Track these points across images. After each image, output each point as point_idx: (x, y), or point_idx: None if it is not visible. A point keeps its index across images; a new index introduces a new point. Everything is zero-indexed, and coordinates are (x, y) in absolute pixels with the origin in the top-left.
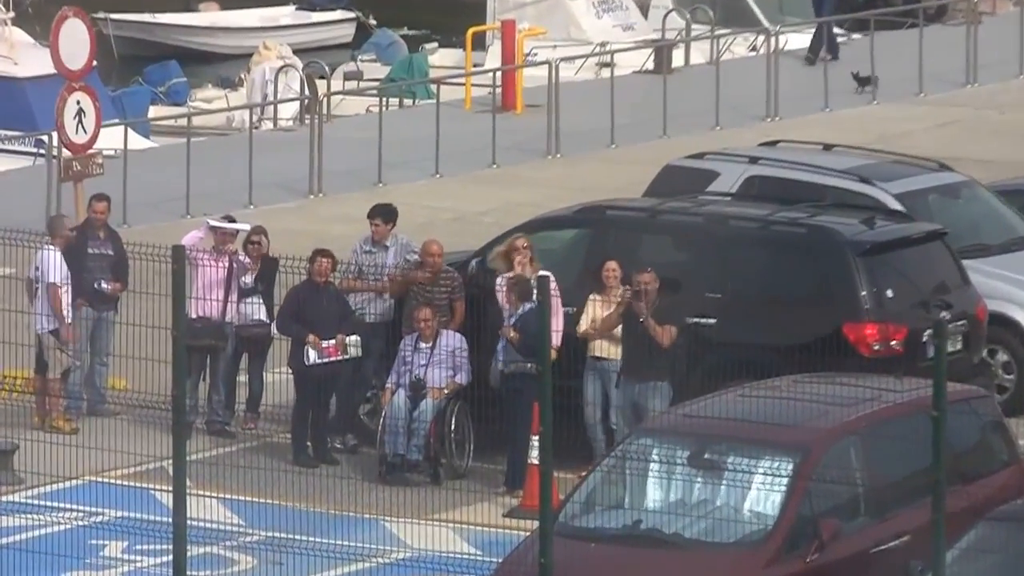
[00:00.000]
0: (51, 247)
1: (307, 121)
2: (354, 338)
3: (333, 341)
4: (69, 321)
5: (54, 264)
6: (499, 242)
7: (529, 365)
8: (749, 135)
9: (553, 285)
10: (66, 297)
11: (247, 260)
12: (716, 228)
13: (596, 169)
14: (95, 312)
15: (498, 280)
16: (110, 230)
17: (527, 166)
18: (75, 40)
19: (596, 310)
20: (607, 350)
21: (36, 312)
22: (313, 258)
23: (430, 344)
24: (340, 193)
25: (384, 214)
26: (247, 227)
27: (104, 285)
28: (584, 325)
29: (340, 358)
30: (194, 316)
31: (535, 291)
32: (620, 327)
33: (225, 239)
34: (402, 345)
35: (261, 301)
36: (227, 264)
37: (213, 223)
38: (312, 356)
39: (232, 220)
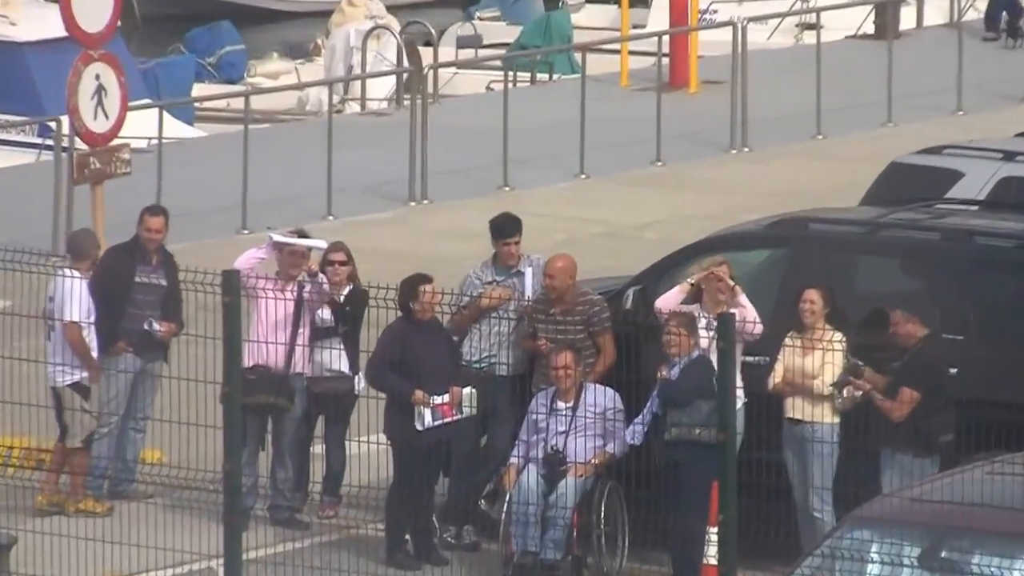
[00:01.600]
0: (71, 272)
1: (406, 103)
2: (468, 390)
3: (446, 397)
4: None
5: (75, 295)
6: (669, 266)
7: (697, 431)
8: (1003, 122)
9: (754, 321)
10: (91, 340)
11: (325, 285)
12: (959, 248)
13: (796, 168)
14: (140, 362)
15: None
16: (165, 254)
17: (703, 164)
18: None
19: (792, 356)
20: (805, 411)
21: (51, 360)
22: (413, 286)
23: (571, 403)
24: (450, 200)
25: (517, 229)
26: (323, 244)
27: (156, 326)
28: (778, 377)
29: (455, 418)
30: (249, 365)
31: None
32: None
33: (294, 260)
34: (533, 405)
35: (342, 346)
36: (296, 295)
37: (277, 238)
38: (426, 418)
39: (304, 235)
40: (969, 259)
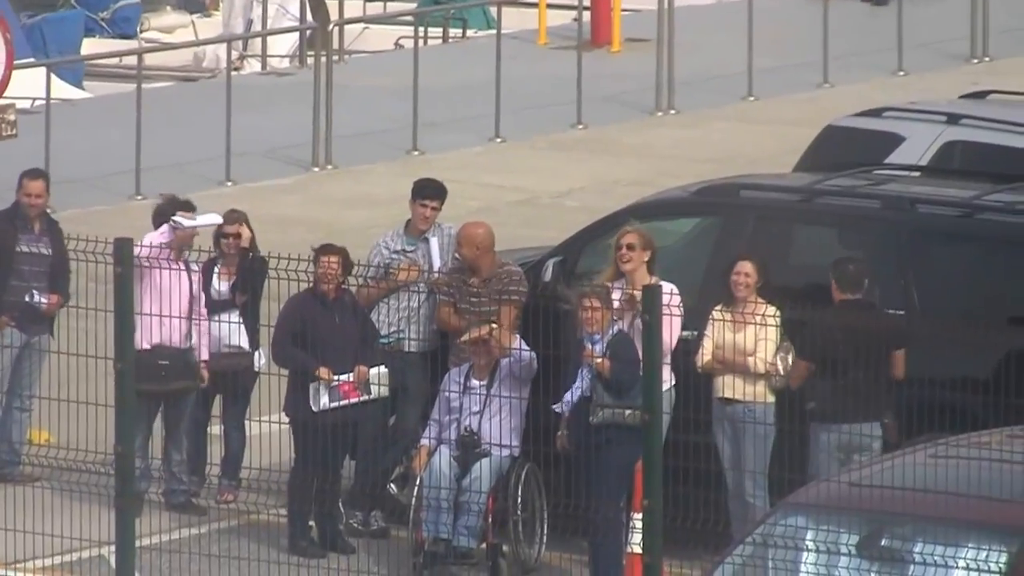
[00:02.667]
0: None
1: (310, 61)
2: (379, 370)
3: (350, 376)
4: None
5: None
6: (591, 236)
7: (628, 412)
8: (946, 83)
9: (674, 298)
10: None
11: (186, 222)
12: (900, 217)
13: (726, 132)
14: (23, 336)
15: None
16: (49, 221)
17: (627, 127)
18: None
19: (722, 332)
20: (739, 389)
21: None
22: (318, 258)
23: (485, 380)
24: (357, 165)
25: (439, 194)
26: (215, 219)
27: (39, 298)
28: (707, 354)
29: (361, 399)
30: (148, 346)
31: (637, 305)
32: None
33: (184, 240)
34: (445, 382)
35: (240, 319)
36: (189, 267)
37: (180, 220)
38: (323, 398)
39: (189, 209)
40: (911, 229)
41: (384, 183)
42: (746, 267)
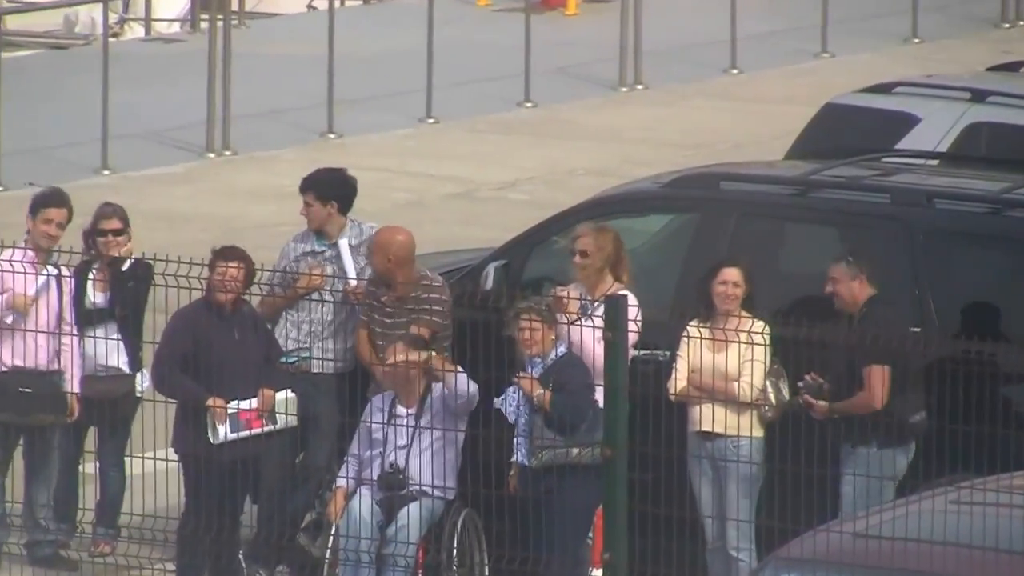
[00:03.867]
0: None
1: (204, 25)
2: (285, 395)
3: (251, 403)
4: None
5: None
6: (541, 236)
7: (576, 451)
8: (970, 52)
9: (632, 307)
10: None
11: (92, 264)
12: (914, 215)
13: (705, 111)
14: None
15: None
16: None
17: (585, 105)
18: None
19: (701, 352)
20: (721, 420)
21: None
22: (214, 263)
23: (414, 408)
24: (261, 150)
25: (323, 187)
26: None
27: None
28: (682, 378)
29: (266, 429)
30: (3, 368)
31: (589, 317)
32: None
33: (48, 236)
34: (367, 411)
35: (119, 336)
36: (57, 272)
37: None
38: (221, 430)
39: (60, 202)
40: (928, 229)
41: (294, 172)
42: (732, 275)
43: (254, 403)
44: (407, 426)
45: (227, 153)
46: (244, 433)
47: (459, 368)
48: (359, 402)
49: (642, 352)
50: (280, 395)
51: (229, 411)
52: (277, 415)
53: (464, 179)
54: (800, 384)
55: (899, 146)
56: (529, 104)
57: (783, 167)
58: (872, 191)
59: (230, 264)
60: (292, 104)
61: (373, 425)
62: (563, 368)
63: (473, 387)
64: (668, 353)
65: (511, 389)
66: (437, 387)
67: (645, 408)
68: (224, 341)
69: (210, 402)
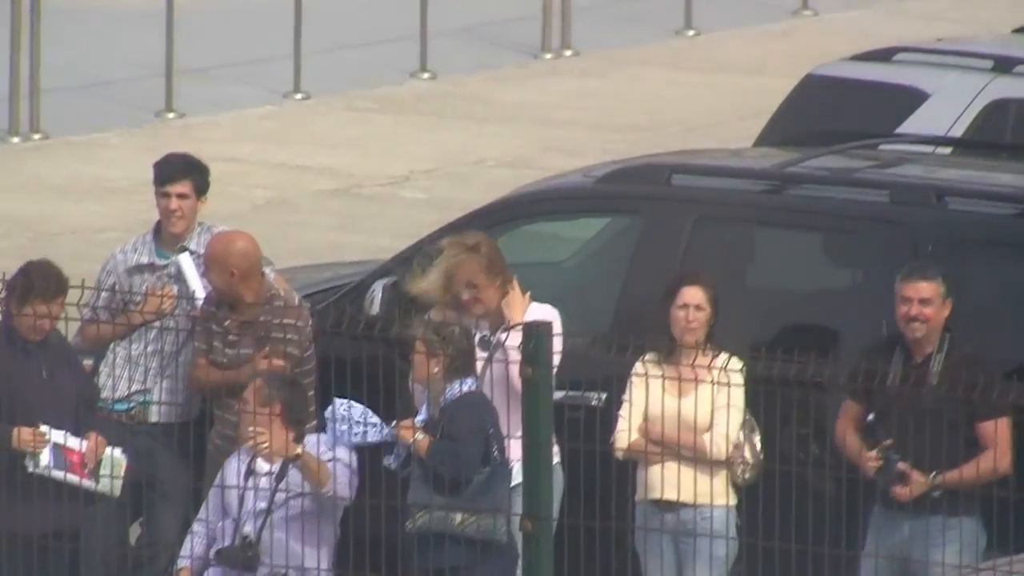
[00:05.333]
0: None
1: None
2: (111, 453)
3: (81, 443)
4: None
5: None
6: (435, 244)
7: (459, 517)
8: (991, 8)
9: (556, 334)
10: None
11: None
12: (922, 216)
13: (651, 84)
14: None
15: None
16: None
17: (497, 77)
18: None
19: (657, 397)
20: (687, 485)
21: None
22: (13, 284)
23: (276, 466)
24: (78, 134)
25: (202, 175)
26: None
27: None
28: (632, 431)
29: (86, 484)
30: None
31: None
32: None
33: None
34: (218, 475)
35: None
36: None
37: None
38: (41, 458)
39: None
40: (937, 236)
41: (122, 162)
42: (695, 296)
43: (81, 445)
44: (267, 488)
45: (35, 137)
46: (71, 478)
47: (338, 455)
48: (206, 456)
49: (567, 394)
50: (107, 453)
51: (51, 439)
52: (102, 476)
53: (343, 172)
54: (885, 457)
55: (900, 130)
56: (426, 75)
57: (752, 156)
58: (867, 187)
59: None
60: (120, 74)
61: (226, 488)
62: (458, 409)
63: (353, 483)
64: (603, 396)
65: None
66: (311, 440)
67: (574, 468)
68: (29, 378)
69: (23, 433)
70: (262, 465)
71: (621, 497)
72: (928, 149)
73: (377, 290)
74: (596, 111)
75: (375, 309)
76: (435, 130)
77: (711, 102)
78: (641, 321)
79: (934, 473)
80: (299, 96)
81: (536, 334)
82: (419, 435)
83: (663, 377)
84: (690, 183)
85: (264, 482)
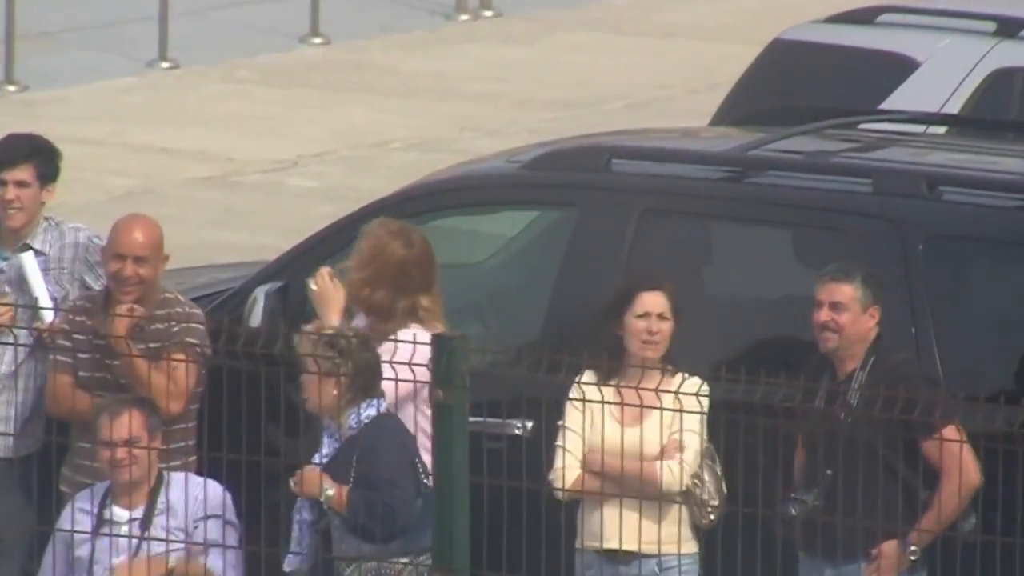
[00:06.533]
0: None
1: None
2: None
3: None
4: None
5: None
6: (332, 244)
7: (400, 563)
8: None
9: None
10: None
11: None
12: (910, 209)
13: (587, 50)
14: None
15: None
16: None
17: (404, 42)
18: None
19: (599, 422)
20: (647, 530)
21: None
22: None
23: (139, 509)
24: None
25: (47, 159)
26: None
27: None
28: (573, 467)
29: None
30: None
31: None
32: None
33: None
34: (66, 514)
35: None
36: None
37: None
38: None
39: None
40: (929, 231)
41: None
42: (657, 303)
43: None
44: (127, 536)
45: None
46: None
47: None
48: (56, 500)
49: (485, 420)
50: None
51: None
52: None
53: (218, 155)
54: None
55: (885, 105)
56: (318, 40)
57: (708, 137)
58: (846, 174)
59: None
60: None
61: (75, 536)
62: (375, 440)
63: (213, 498)
64: (527, 425)
65: (295, 540)
66: (175, 479)
67: (496, 510)
68: None
69: None
70: (120, 512)
71: (552, 544)
72: (919, 128)
73: (259, 297)
74: (522, 83)
75: (256, 320)
76: (329, 106)
77: (658, 73)
78: (575, 334)
79: (908, 542)
80: (166, 65)
81: (449, 349)
82: (328, 488)
83: (603, 402)
84: (634, 169)
85: (123, 528)
